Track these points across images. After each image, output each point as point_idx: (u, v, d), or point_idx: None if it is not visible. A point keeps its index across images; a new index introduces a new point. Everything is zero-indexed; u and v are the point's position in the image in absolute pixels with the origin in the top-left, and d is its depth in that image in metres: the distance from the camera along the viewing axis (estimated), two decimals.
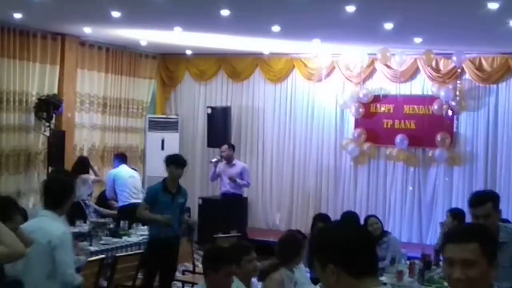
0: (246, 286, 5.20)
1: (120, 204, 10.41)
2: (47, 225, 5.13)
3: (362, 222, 8.61)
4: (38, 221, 5.38)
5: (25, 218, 7.24)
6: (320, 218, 8.27)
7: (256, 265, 5.42)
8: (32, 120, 11.09)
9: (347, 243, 2.46)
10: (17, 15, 9.65)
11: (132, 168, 11.51)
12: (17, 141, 10.93)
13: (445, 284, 6.72)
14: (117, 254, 7.70)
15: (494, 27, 8.62)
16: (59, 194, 5.35)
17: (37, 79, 11.16)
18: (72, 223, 9.42)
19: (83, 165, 11.05)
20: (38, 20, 10.37)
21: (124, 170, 10.86)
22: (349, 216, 8.35)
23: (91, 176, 11.07)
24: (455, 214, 8.33)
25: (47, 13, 9.39)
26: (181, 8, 8.52)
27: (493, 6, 7.35)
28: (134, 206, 10.11)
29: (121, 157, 11.35)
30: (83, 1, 8.62)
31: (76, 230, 8.93)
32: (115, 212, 10.35)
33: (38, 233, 5.01)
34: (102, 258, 7.41)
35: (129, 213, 9.62)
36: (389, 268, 7.41)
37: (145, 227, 8.73)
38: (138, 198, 10.34)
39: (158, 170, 10.85)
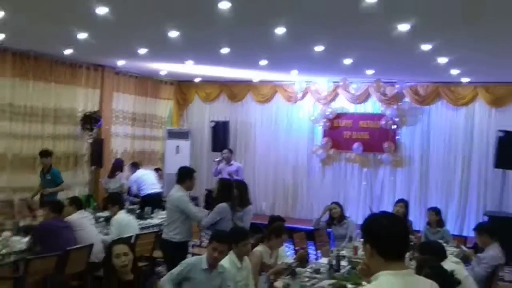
0: (240, 261, 5.20)
1: (142, 194, 10.36)
2: None
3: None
4: None
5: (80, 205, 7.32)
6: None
7: (249, 248, 5.39)
8: (78, 131, 11.11)
9: (380, 233, 2.44)
10: (68, 51, 9.65)
11: (154, 169, 11.69)
12: (67, 147, 10.99)
13: None
14: (140, 233, 7.65)
15: (426, 63, 8.68)
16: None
17: (82, 99, 11.21)
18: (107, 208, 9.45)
19: (119, 165, 11.09)
20: (84, 55, 10.34)
21: (139, 172, 10.84)
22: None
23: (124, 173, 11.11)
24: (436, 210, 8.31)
25: (90, 50, 9.36)
26: (192, 46, 8.50)
27: (426, 47, 7.41)
28: (153, 195, 10.09)
29: (134, 165, 11.28)
30: (117, 40, 8.62)
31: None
32: (138, 200, 10.37)
33: None
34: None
35: (150, 201, 9.67)
36: (348, 244, 7.43)
37: (164, 212, 8.21)
38: (155, 188, 10.34)
39: (174, 168, 10.88)
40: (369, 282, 2.45)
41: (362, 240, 2.54)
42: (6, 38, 8.59)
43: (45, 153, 9.08)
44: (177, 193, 6.69)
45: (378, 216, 2.59)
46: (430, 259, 4.35)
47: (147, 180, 10.53)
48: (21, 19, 7.15)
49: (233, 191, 6.88)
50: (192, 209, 6.68)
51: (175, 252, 6.45)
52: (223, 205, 6.65)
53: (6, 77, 9.66)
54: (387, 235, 2.42)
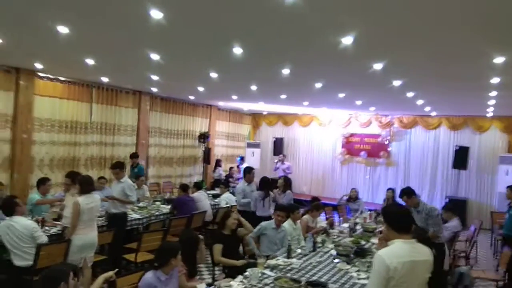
0: (294, 224, 5.16)
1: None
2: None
3: (348, 192, 8.42)
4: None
5: (199, 187, 7.24)
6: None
7: (300, 216, 5.33)
8: (196, 143, 11.30)
9: (392, 215, 2.40)
10: (191, 97, 9.80)
11: (237, 165, 11.85)
12: (190, 152, 11.15)
13: None
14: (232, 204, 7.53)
15: (408, 103, 8.36)
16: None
17: (199, 125, 11.36)
18: (213, 189, 9.60)
19: (219, 163, 11.26)
20: (200, 99, 10.49)
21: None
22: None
23: (220, 168, 11.27)
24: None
25: (204, 96, 9.49)
26: (263, 94, 8.53)
27: (410, 94, 7.18)
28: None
29: (242, 158, 11.76)
30: (220, 91, 8.59)
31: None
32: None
33: None
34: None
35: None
36: (361, 215, 7.28)
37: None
38: None
39: (250, 165, 11.05)
40: (387, 245, 2.41)
41: (382, 220, 2.47)
42: (157, 90, 8.98)
43: (135, 155, 8.41)
44: (239, 185, 6.62)
45: (391, 205, 2.57)
46: (417, 227, 4.20)
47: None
48: (166, 80, 7.39)
49: (268, 185, 6.35)
50: (238, 197, 6.47)
51: (242, 215, 6.40)
52: (257, 193, 6.34)
53: (157, 111, 9.95)
54: (397, 217, 2.38)
